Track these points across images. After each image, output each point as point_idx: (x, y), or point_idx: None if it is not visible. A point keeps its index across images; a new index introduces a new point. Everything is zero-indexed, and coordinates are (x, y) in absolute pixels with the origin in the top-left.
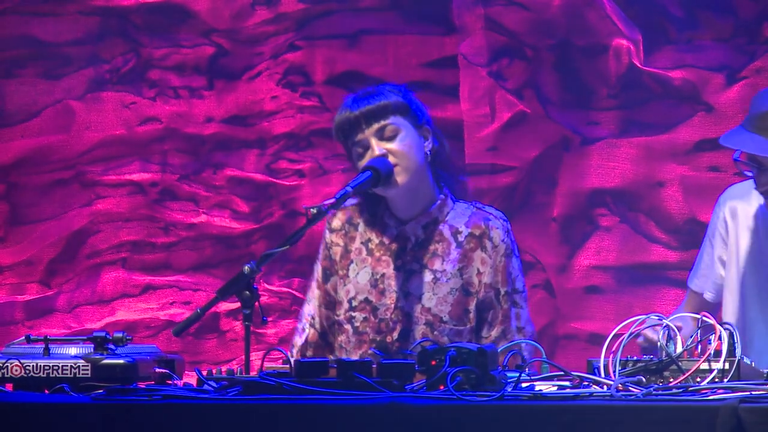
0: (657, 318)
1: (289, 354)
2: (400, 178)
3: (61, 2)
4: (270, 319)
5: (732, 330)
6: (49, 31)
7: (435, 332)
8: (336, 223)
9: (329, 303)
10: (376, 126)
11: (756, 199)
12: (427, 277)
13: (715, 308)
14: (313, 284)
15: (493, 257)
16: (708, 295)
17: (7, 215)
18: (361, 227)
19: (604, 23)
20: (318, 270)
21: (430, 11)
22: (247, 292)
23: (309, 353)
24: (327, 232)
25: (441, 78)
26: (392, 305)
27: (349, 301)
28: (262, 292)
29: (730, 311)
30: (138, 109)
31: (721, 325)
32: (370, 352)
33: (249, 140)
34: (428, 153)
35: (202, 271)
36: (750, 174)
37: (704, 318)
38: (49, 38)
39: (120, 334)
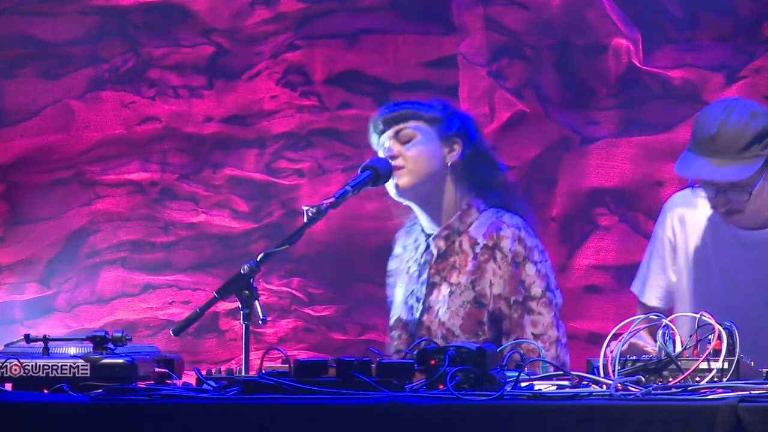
0: (656, 318)
1: None
2: (404, 180)
3: (61, 2)
4: (269, 318)
5: (732, 329)
6: (48, 31)
7: None
8: (397, 248)
9: None
10: (394, 128)
11: (703, 207)
12: (445, 290)
13: (665, 315)
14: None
15: (503, 268)
16: (659, 304)
17: (6, 215)
18: (409, 249)
19: (603, 23)
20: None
21: (429, 11)
22: (247, 292)
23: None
24: (390, 257)
25: (441, 78)
26: (417, 319)
27: (390, 321)
28: (262, 291)
29: (682, 320)
30: (137, 109)
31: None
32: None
33: (248, 140)
34: (449, 164)
35: (202, 271)
36: (704, 195)
37: (704, 317)
38: (49, 38)
39: (119, 334)
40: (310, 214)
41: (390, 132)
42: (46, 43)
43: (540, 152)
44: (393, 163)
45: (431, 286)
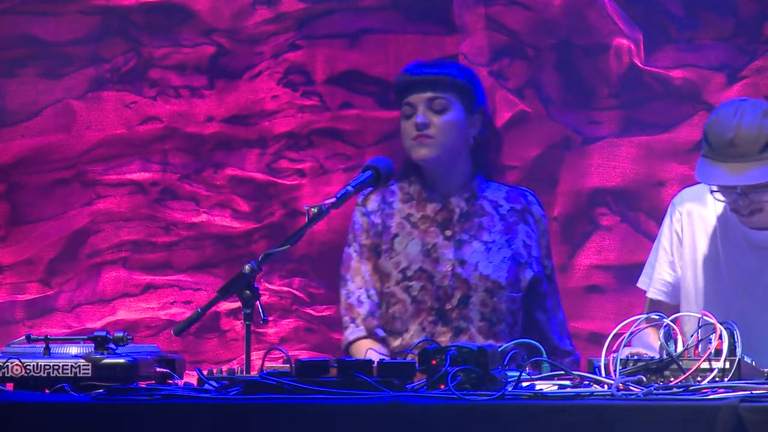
0: (657, 317)
1: (349, 328)
2: (431, 150)
3: (62, 2)
4: (270, 318)
5: (733, 329)
6: (49, 31)
7: (494, 299)
8: (371, 204)
9: (381, 276)
10: (429, 94)
11: (713, 204)
12: (479, 247)
13: (674, 311)
14: (353, 263)
15: (537, 232)
16: (665, 298)
17: (7, 214)
18: (397, 205)
19: (604, 23)
20: (356, 249)
21: (430, 11)
22: (248, 292)
23: (375, 322)
24: (361, 215)
25: None
26: (449, 272)
27: (402, 271)
28: (263, 291)
29: (688, 320)
30: (139, 109)
31: (722, 324)
32: (370, 351)
33: (250, 140)
34: (471, 139)
35: (203, 271)
36: (725, 200)
37: (705, 317)
38: (50, 38)
39: (120, 334)
40: (311, 214)
41: (423, 96)
42: (48, 42)
43: (541, 152)
44: (423, 131)
45: (460, 243)
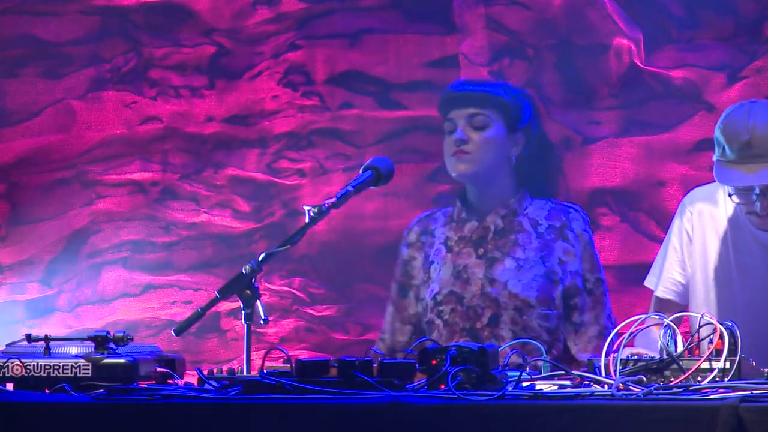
0: (658, 317)
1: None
2: (468, 166)
3: (62, 2)
4: (271, 318)
5: (733, 329)
6: (49, 31)
7: (524, 317)
8: (412, 237)
9: (404, 318)
10: (470, 111)
11: (723, 204)
12: (510, 264)
13: (681, 311)
14: (389, 303)
15: (577, 246)
16: (674, 297)
17: (7, 214)
18: (438, 231)
19: (605, 23)
20: (394, 288)
21: (431, 11)
22: (248, 292)
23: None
24: (404, 248)
25: (442, 77)
26: (478, 291)
27: (434, 297)
28: (263, 291)
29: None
30: (139, 109)
31: (722, 324)
32: (371, 351)
33: (250, 140)
34: (513, 158)
35: (203, 271)
36: (740, 201)
37: (705, 317)
38: (50, 38)
39: (121, 334)
40: (311, 214)
41: (464, 113)
42: (48, 42)
43: None
44: (461, 147)
45: (492, 261)
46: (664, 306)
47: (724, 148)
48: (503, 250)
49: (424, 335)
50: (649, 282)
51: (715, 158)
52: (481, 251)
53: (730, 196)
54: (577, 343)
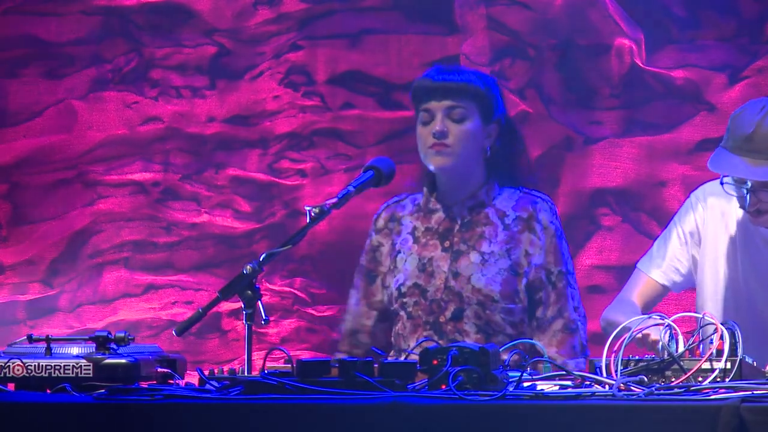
0: (659, 317)
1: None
2: (447, 160)
3: (64, 2)
4: (272, 318)
5: (734, 329)
6: (51, 31)
7: (487, 311)
8: (380, 223)
9: (371, 303)
10: (448, 103)
11: (734, 200)
12: (475, 258)
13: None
14: (353, 288)
15: (543, 239)
16: (672, 286)
17: (9, 215)
18: (406, 219)
19: (606, 23)
20: (360, 273)
21: (432, 11)
22: (249, 292)
23: (343, 347)
24: (372, 233)
25: None
26: (442, 285)
27: (398, 288)
28: (264, 291)
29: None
30: (140, 109)
31: (723, 324)
32: (371, 350)
33: (251, 140)
34: (487, 149)
35: (204, 271)
36: (734, 194)
37: (706, 317)
38: (52, 38)
39: (122, 334)
40: (312, 214)
41: (442, 105)
42: (49, 43)
43: (543, 152)
44: (441, 141)
45: (457, 254)
46: (656, 292)
47: (729, 136)
48: (469, 243)
49: (389, 322)
50: (642, 264)
51: (720, 144)
52: (447, 244)
53: (722, 184)
54: (542, 339)
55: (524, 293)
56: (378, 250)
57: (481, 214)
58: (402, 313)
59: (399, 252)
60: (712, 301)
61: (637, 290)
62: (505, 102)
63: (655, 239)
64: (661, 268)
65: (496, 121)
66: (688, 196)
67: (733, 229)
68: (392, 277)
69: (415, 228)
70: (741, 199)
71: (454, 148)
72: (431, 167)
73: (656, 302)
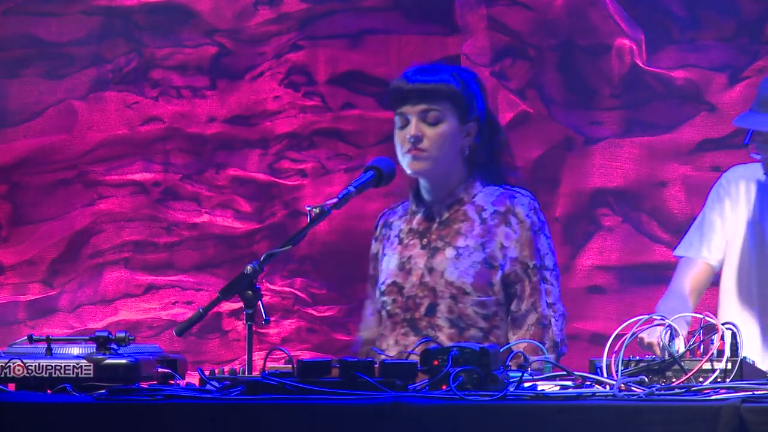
0: (659, 318)
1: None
2: (424, 164)
3: (64, 2)
4: (272, 319)
5: (734, 330)
6: (51, 31)
7: (459, 304)
8: (377, 231)
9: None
10: (423, 106)
11: (763, 181)
12: (450, 253)
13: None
14: (367, 290)
15: (519, 232)
16: (717, 265)
17: (9, 215)
18: (395, 224)
19: (606, 23)
20: (369, 279)
21: (432, 11)
22: (250, 292)
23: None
24: (372, 242)
25: None
26: (417, 281)
27: (379, 288)
28: (265, 291)
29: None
30: (140, 109)
31: (723, 325)
32: (372, 351)
33: (251, 140)
34: (466, 149)
35: (205, 271)
36: (759, 157)
37: (706, 317)
38: (52, 38)
39: (122, 334)
40: (313, 214)
41: (416, 108)
42: (50, 43)
43: (543, 152)
44: (416, 145)
45: (434, 251)
46: (705, 275)
47: (758, 100)
48: (445, 240)
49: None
50: (686, 250)
51: (749, 108)
52: (425, 241)
53: (750, 147)
54: (516, 333)
55: (499, 286)
56: (376, 258)
57: (459, 211)
58: (383, 312)
59: (386, 255)
60: (736, 282)
61: (686, 277)
62: (485, 98)
63: (689, 226)
64: (702, 249)
65: (474, 119)
66: (719, 178)
67: (760, 209)
68: (379, 281)
69: (401, 230)
70: (766, 162)
71: (430, 152)
72: (409, 172)
73: (706, 285)
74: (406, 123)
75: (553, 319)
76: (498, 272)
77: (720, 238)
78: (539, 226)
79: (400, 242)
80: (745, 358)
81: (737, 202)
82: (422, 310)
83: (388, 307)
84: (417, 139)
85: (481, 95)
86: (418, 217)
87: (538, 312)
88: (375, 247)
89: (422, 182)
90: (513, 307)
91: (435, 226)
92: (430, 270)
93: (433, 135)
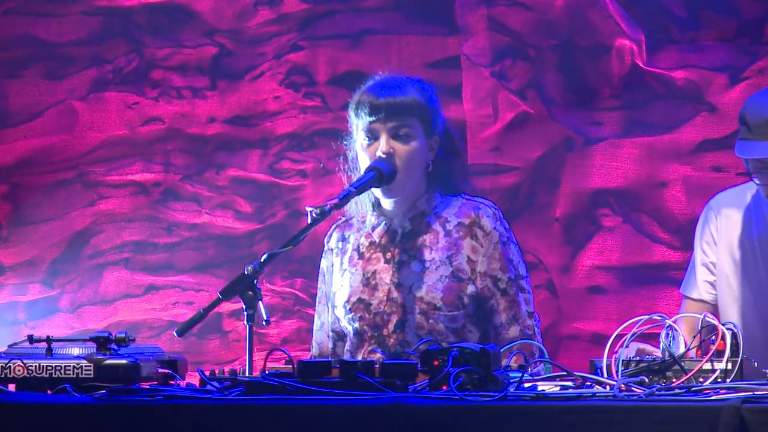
0: (659, 318)
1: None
2: (399, 179)
3: (64, 2)
4: (273, 319)
5: (734, 330)
6: (52, 32)
7: (430, 320)
8: (331, 243)
9: (328, 325)
10: (394, 123)
11: (754, 202)
12: (417, 267)
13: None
14: (317, 306)
15: (486, 245)
16: (712, 300)
17: (10, 215)
18: (352, 237)
19: (607, 23)
20: (319, 294)
21: (433, 11)
22: (250, 293)
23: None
24: (324, 254)
25: (444, 78)
26: (384, 297)
27: (344, 306)
28: (265, 292)
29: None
30: (141, 110)
31: (723, 325)
32: (372, 351)
33: (252, 140)
34: (429, 163)
35: (205, 272)
36: (759, 182)
37: (707, 318)
38: (52, 38)
39: (122, 335)
40: (313, 215)
41: (388, 125)
42: (50, 43)
43: (543, 153)
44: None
45: (399, 265)
46: (698, 308)
47: (747, 127)
48: (410, 253)
49: (343, 340)
50: (684, 289)
51: (738, 139)
52: (388, 255)
53: (750, 176)
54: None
55: (469, 299)
56: (329, 271)
57: (422, 223)
58: (349, 329)
59: (345, 270)
60: (734, 305)
61: (685, 312)
62: (442, 109)
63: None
64: (697, 287)
65: (437, 133)
66: (703, 209)
67: (752, 233)
68: (341, 297)
69: (360, 244)
70: (766, 188)
71: (402, 168)
72: (388, 194)
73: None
74: (374, 138)
75: (536, 328)
76: (468, 285)
77: (708, 276)
78: (507, 236)
79: (361, 256)
80: (745, 357)
81: (720, 237)
82: (390, 326)
83: (356, 325)
84: (389, 156)
85: (440, 108)
86: (379, 230)
87: (519, 323)
88: (327, 261)
89: (383, 197)
90: (495, 321)
91: (398, 239)
92: (398, 285)
93: (404, 153)
